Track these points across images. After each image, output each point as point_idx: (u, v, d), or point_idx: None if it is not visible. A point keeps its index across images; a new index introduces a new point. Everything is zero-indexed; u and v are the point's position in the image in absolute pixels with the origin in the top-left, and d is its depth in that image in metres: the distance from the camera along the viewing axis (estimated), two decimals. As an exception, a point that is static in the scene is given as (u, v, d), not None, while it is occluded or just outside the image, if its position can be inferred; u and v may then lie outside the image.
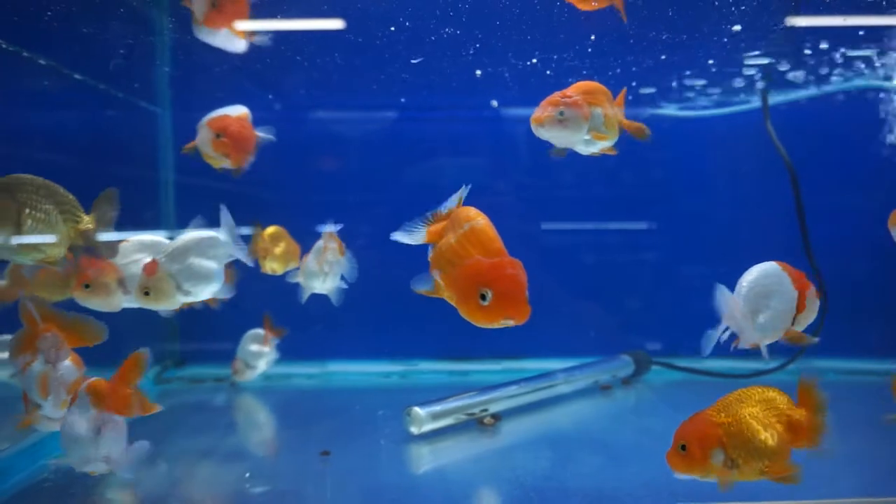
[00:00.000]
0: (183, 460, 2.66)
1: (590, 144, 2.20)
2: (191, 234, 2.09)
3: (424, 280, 1.65)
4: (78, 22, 3.09)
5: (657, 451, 2.52)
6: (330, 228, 2.88)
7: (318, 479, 2.37)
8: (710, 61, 3.64)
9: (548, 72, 3.63)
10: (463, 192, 1.67)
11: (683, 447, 1.78)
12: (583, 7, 2.46)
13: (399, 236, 1.75)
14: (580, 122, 2.09)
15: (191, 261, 2.04)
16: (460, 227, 1.57)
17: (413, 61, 3.56)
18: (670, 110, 4.07)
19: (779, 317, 1.98)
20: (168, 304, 2.05)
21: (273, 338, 3.48)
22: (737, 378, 3.63)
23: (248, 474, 2.43)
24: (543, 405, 3.20)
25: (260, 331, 3.48)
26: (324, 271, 2.84)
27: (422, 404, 2.78)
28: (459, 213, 1.62)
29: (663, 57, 3.60)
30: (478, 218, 1.57)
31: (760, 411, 1.80)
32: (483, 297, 1.41)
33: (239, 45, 2.82)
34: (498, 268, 1.44)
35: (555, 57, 3.50)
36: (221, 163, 2.75)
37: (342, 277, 2.88)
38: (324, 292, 2.88)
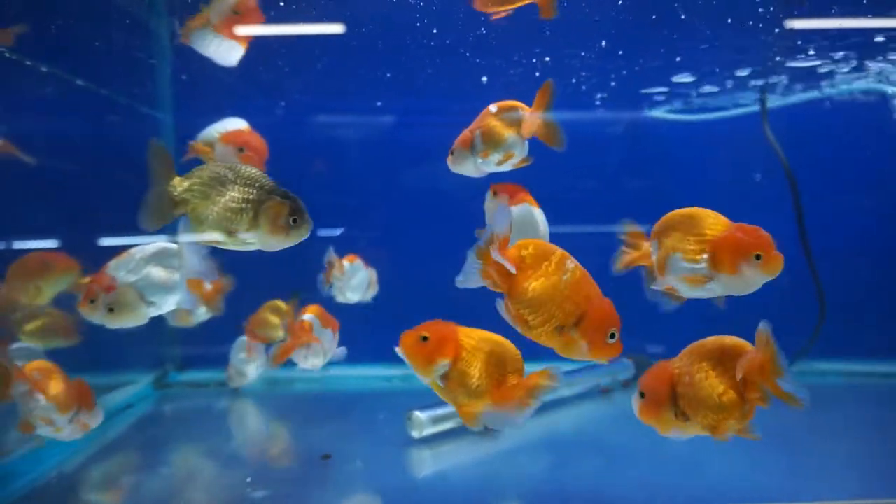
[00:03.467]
0: (184, 464, 2.67)
1: (488, 165, 2.26)
2: (144, 246, 2.03)
3: (473, 275, 1.71)
4: (79, 29, 3.11)
5: (656, 455, 2.54)
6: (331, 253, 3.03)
7: (320, 483, 2.38)
8: (707, 64, 3.64)
9: (537, 73, 3.65)
10: (509, 226, 1.69)
11: (642, 394, 1.80)
12: (480, 8, 2.55)
13: (465, 282, 1.72)
14: (465, 154, 2.25)
15: (149, 271, 1.98)
16: (560, 272, 1.66)
17: (412, 65, 3.58)
18: (668, 114, 4.09)
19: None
20: (135, 318, 1.97)
21: (257, 344, 3.47)
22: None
23: (249, 479, 2.44)
24: (544, 408, 3.17)
25: (243, 339, 3.47)
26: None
27: (423, 408, 2.78)
28: (551, 256, 1.69)
29: (657, 62, 3.62)
30: (570, 261, 1.69)
31: (710, 364, 1.76)
32: (612, 337, 1.64)
33: (234, 58, 2.89)
34: (608, 308, 1.66)
35: (548, 59, 3.51)
36: None
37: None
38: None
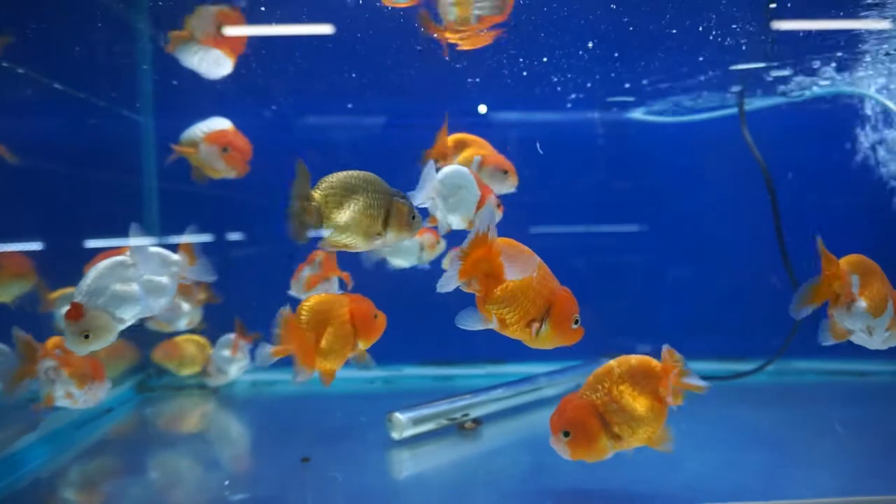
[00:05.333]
0: (164, 468, 2.66)
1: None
2: (99, 265, 2.03)
3: (475, 318, 1.77)
4: (58, 31, 3.09)
5: (637, 454, 2.55)
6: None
7: (298, 486, 2.37)
8: (686, 67, 3.68)
9: (525, 73, 3.67)
10: (491, 225, 1.75)
11: (567, 433, 1.90)
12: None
13: (446, 285, 1.75)
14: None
15: (112, 289, 1.99)
16: (530, 268, 1.74)
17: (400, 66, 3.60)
18: (646, 116, 4.12)
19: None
20: (110, 338, 1.98)
21: (245, 343, 3.48)
22: (716, 380, 3.67)
23: (227, 481, 2.44)
24: (525, 409, 3.22)
25: (228, 336, 3.48)
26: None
27: (403, 410, 2.79)
28: (518, 253, 1.75)
29: (643, 62, 3.65)
30: (534, 256, 1.77)
31: (630, 385, 1.95)
32: (576, 322, 1.75)
33: (221, 71, 2.91)
34: (570, 297, 1.77)
35: (544, 60, 3.53)
36: (225, 174, 2.89)
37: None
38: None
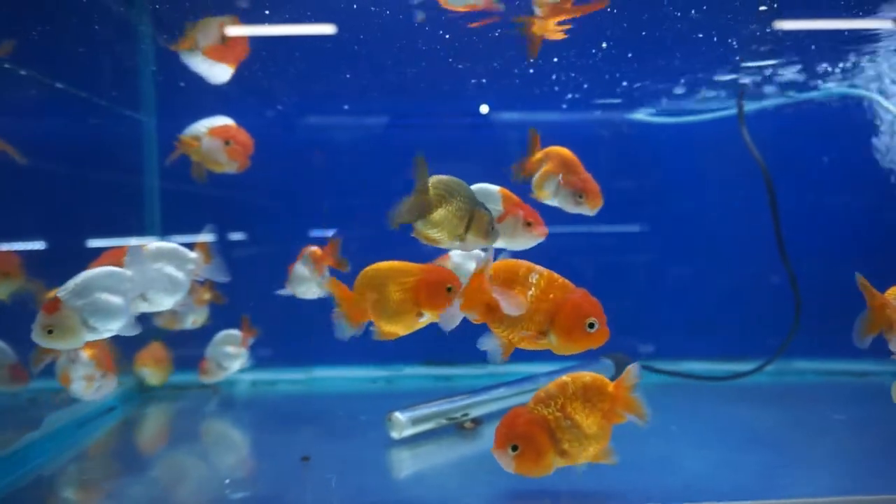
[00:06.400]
0: (164, 466, 2.67)
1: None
2: (96, 269, 2.03)
3: (493, 340, 1.88)
4: (60, 32, 3.11)
5: (635, 454, 2.56)
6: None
7: (298, 485, 2.38)
8: (687, 68, 3.68)
9: (527, 73, 3.67)
10: (487, 261, 1.84)
11: (515, 447, 1.88)
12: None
13: (448, 325, 1.85)
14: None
15: (96, 296, 1.97)
16: (525, 289, 1.81)
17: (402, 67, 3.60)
18: (649, 117, 4.12)
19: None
20: (73, 341, 1.97)
21: (248, 338, 3.45)
22: (715, 380, 3.67)
23: (227, 480, 2.45)
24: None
25: (233, 331, 3.44)
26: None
27: (403, 409, 2.80)
28: (516, 276, 1.82)
29: (644, 63, 3.65)
30: (534, 273, 1.82)
31: (582, 403, 1.95)
32: (591, 326, 1.75)
33: (223, 77, 2.93)
34: (578, 304, 1.77)
35: (555, 61, 3.53)
36: (227, 168, 2.92)
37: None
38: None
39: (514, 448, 1.89)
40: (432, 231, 1.93)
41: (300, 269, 2.96)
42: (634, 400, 1.96)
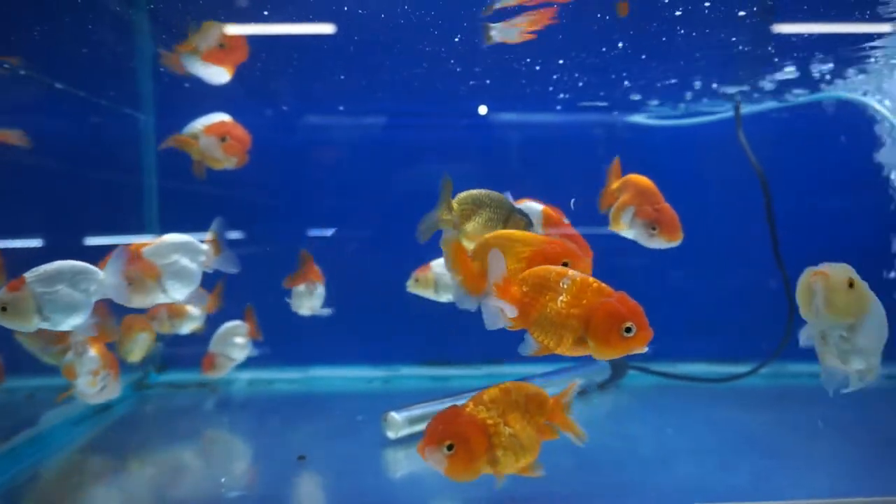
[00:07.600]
0: (161, 465, 2.67)
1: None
2: (68, 262, 2.01)
3: (532, 344, 1.81)
4: (59, 31, 3.11)
5: (631, 456, 2.58)
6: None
7: (294, 484, 2.39)
8: (685, 71, 3.69)
9: (527, 74, 3.68)
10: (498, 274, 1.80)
11: (451, 447, 1.81)
12: None
13: (493, 325, 1.82)
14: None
15: (59, 288, 1.96)
16: (556, 295, 1.74)
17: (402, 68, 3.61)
18: (647, 119, 4.13)
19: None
20: (23, 325, 1.96)
21: (255, 327, 3.39)
22: (711, 382, 3.68)
23: (223, 479, 2.45)
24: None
25: (236, 322, 3.38)
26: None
27: (399, 409, 2.80)
28: (547, 282, 1.77)
29: (643, 66, 3.66)
30: (566, 278, 1.76)
31: (521, 413, 1.92)
32: (628, 331, 1.66)
33: (222, 80, 2.95)
34: (613, 308, 1.70)
35: (539, 63, 3.54)
36: (226, 164, 2.94)
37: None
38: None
39: (450, 447, 1.81)
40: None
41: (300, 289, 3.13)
42: (568, 419, 1.94)
